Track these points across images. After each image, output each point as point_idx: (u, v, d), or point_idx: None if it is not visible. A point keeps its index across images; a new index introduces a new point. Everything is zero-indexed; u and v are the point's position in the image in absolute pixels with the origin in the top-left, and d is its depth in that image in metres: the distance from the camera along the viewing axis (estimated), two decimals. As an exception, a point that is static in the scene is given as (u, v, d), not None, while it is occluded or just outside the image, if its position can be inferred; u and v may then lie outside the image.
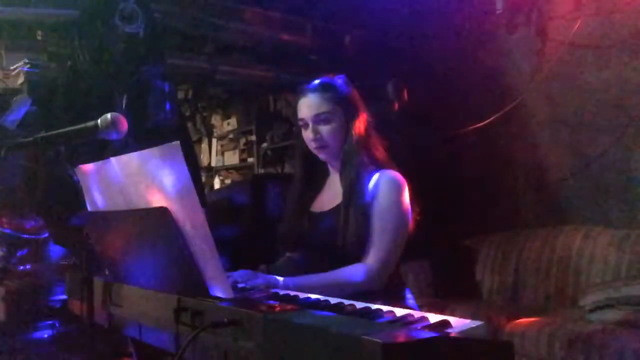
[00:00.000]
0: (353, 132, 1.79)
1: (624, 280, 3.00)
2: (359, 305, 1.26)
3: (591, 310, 2.91)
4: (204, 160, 7.14)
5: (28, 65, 3.52)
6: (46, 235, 3.49)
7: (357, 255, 1.71)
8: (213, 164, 7.06)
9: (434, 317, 1.09)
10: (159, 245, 1.38)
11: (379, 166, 1.80)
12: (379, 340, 0.80)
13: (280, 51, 4.48)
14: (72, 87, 3.49)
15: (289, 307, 1.11)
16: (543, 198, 3.96)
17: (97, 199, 1.59)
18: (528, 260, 3.63)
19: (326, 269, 1.70)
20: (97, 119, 1.48)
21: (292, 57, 4.51)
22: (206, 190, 6.17)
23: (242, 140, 6.60)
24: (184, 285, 1.30)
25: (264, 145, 6.10)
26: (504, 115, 3.89)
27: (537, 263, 3.57)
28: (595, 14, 3.51)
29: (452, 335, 0.96)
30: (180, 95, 5.71)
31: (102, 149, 2.73)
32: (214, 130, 7.04)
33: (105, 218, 1.58)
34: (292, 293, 1.49)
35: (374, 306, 1.22)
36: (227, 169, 6.88)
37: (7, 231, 3.41)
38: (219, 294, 1.24)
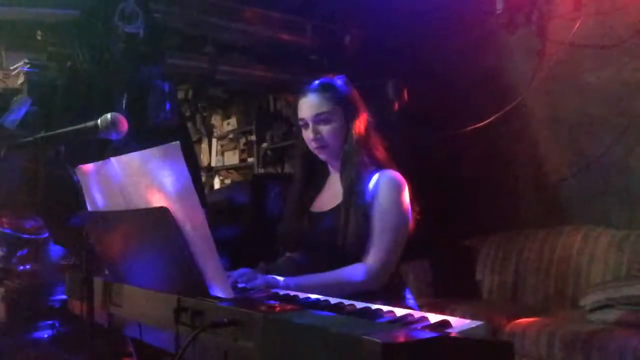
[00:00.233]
0: (353, 132, 1.79)
1: (624, 281, 3.00)
2: (359, 305, 1.26)
3: (591, 310, 2.91)
4: (204, 160, 7.13)
5: (28, 65, 3.52)
6: (46, 235, 3.48)
7: (357, 255, 1.71)
8: (213, 164, 7.06)
9: (434, 317, 1.09)
10: (159, 245, 1.38)
11: (379, 166, 1.80)
12: (378, 340, 0.81)
13: (280, 51, 4.47)
14: (72, 87, 3.49)
15: (289, 307, 1.11)
16: (543, 198, 3.95)
17: (97, 199, 1.59)
18: (528, 260, 3.63)
19: (326, 269, 1.70)
20: (97, 119, 1.48)
21: (292, 57, 4.50)
22: (206, 190, 6.16)
23: (242, 140, 6.60)
24: (184, 285, 1.30)
25: (264, 145, 6.09)
26: (504, 115, 3.88)
27: (537, 263, 3.57)
28: (595, 14, 3.50)
29: (452, 335, 0.96)
30: (180, 95, 5.69)
31: (102, 149, 2.73)
32: (214, 130, 7.03)
33: (105, 218, 1.58)
34: (292, 293, 1.49)
35: (374, 306, 1.23)
36: (227, 169, 6.87)
37: (7, 231, 3.40)
38: (219, 294, 1.25)
